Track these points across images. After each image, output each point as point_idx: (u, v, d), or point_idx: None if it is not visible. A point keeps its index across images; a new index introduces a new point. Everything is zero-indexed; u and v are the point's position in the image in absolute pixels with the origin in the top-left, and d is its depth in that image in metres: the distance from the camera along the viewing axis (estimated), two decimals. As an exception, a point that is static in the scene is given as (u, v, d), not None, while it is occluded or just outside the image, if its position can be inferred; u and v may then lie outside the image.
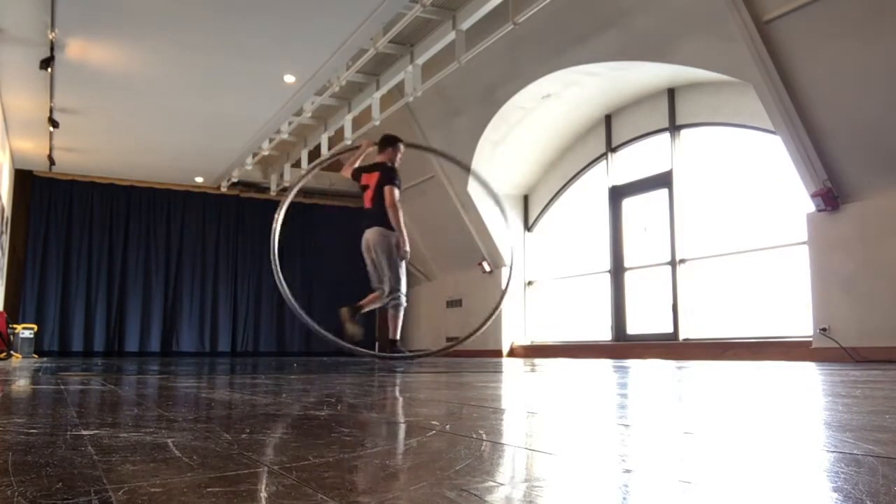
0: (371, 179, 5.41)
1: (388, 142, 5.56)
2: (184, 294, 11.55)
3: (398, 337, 5.47)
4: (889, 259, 5.50)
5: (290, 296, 5.22)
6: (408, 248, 5.36)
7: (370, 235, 5.39)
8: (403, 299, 5.40)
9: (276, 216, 5.35)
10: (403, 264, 5.41)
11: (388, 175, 5.37)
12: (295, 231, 11.96)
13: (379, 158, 5.51)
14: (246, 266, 12.00)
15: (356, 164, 5.66)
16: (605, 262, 8.86)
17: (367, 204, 5.44)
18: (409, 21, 6.61)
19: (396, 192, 5.33)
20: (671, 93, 8.02)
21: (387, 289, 5.40)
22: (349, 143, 8.88)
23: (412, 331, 11.35)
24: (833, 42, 5.34)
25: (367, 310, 5.44)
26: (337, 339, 5.18)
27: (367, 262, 5.50)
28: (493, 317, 5.68)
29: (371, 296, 5.49)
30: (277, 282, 5.25)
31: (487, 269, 9.92)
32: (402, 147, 5.61)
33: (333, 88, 8.11)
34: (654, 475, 0.88)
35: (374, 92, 8.19)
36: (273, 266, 5.25)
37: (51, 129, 8.16)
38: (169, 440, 1.16)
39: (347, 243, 11.13)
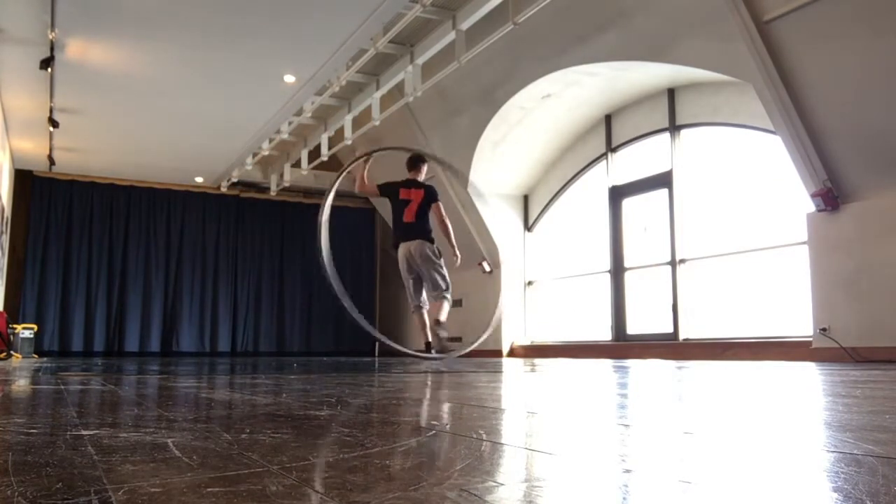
0: (413, 195, 5.66)
1: (421, 160, 5.97)
2: (184, 294, 11.55)
3: (444, 319, 5.70)
4: (889, 259, 5.50)
5: (350, 303, 5.63)
6: (459, 255, 5.77)
7: (415, 247, 5.66)
8: (449, 295, 5.74)
9: (319, 219, 5.80)
10: (445, 269, 5.71)
11: (435, 192, 5.79)
12: (295, 231, 11.97)
13: (410, 175, 5.78)
14: (246, 266, 12.00)
15: (366, 180, 5.96)
16: (605, 262, 8.86)
17: (409, 218, 5.69)
18: (409, 21, 6.61)
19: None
20: (671, 93, 8.02)
21: (427, 295, 5.79)
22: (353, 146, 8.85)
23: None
24: (833, 42, 5.34)
25: (443, 320, 5.71)
26: (393, 343, 5.95)
27: (404, 272, 5.73)
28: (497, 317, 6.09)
29: (430, 311, 5.84)
30: (334, 286, 5.59)
31: (487, 269, 9.93)
32: (427, 164, 6.08)
33: (333, 88, 8.11)
34: (654, 475, 0.88)
35: (374, 92, 8.19)
36: (325, 269, 5.63)
37: (51, 129, 8.16)
38: (169, 440, 1.16)
39: (347, 242, 11.06)
